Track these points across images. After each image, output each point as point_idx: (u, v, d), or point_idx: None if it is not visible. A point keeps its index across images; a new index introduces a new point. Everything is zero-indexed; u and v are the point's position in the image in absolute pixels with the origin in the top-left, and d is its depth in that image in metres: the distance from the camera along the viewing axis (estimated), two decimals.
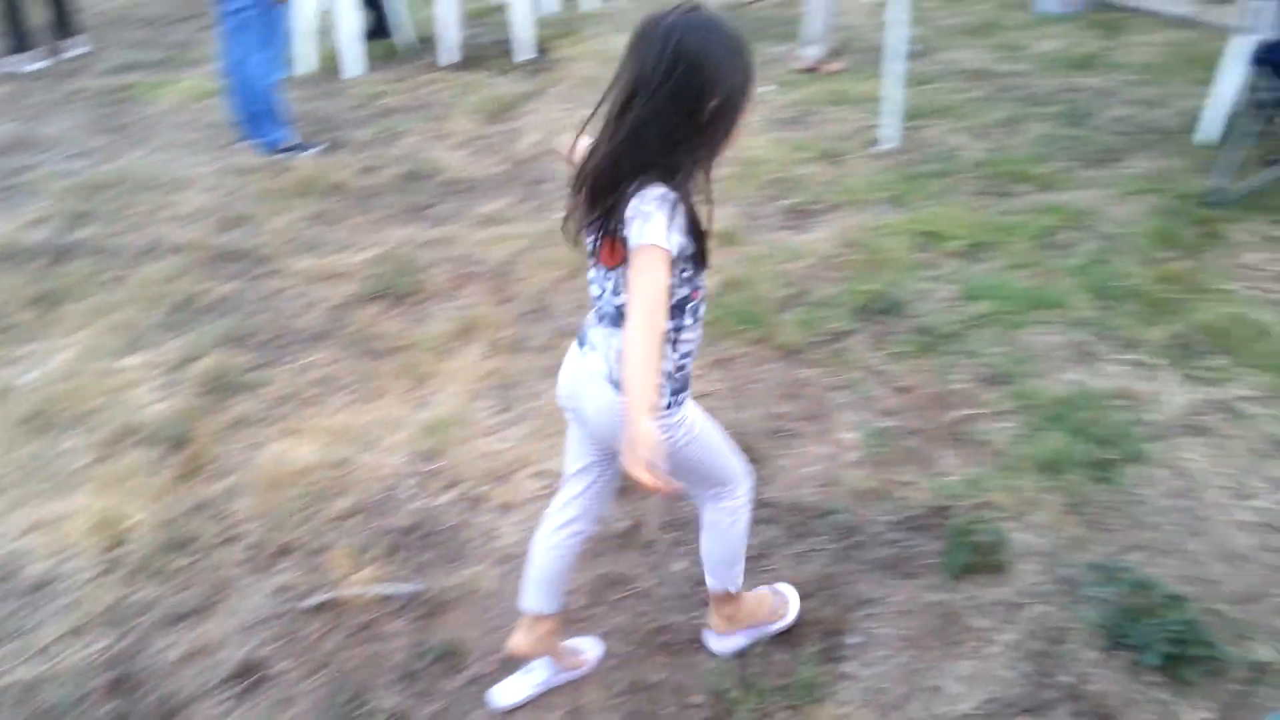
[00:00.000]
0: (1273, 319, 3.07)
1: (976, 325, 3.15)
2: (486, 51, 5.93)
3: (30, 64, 6.05)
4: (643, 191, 1.51)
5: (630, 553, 2.42)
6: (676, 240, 1.52)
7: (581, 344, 1.84)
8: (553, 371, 3.01)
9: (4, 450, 2.82)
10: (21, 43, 6.05)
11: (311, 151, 4.67)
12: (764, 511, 2.50)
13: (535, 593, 2.02)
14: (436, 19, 5.75)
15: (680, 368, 1.76)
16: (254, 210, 4.16)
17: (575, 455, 2.01)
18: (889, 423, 2.78)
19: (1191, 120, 4.51)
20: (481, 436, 2.81)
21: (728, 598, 2.08)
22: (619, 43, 5.01)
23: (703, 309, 1.73)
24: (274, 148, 4.65)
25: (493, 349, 3.20)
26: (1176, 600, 2.12)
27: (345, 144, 4.79)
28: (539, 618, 2.03)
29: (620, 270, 1.60)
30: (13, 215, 4.17)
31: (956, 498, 2.49)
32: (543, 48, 5.91)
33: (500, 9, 6.55)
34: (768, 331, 3.18)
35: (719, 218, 3.73)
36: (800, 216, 3.92)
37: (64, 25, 6.29)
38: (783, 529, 2.45)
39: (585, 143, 1.67)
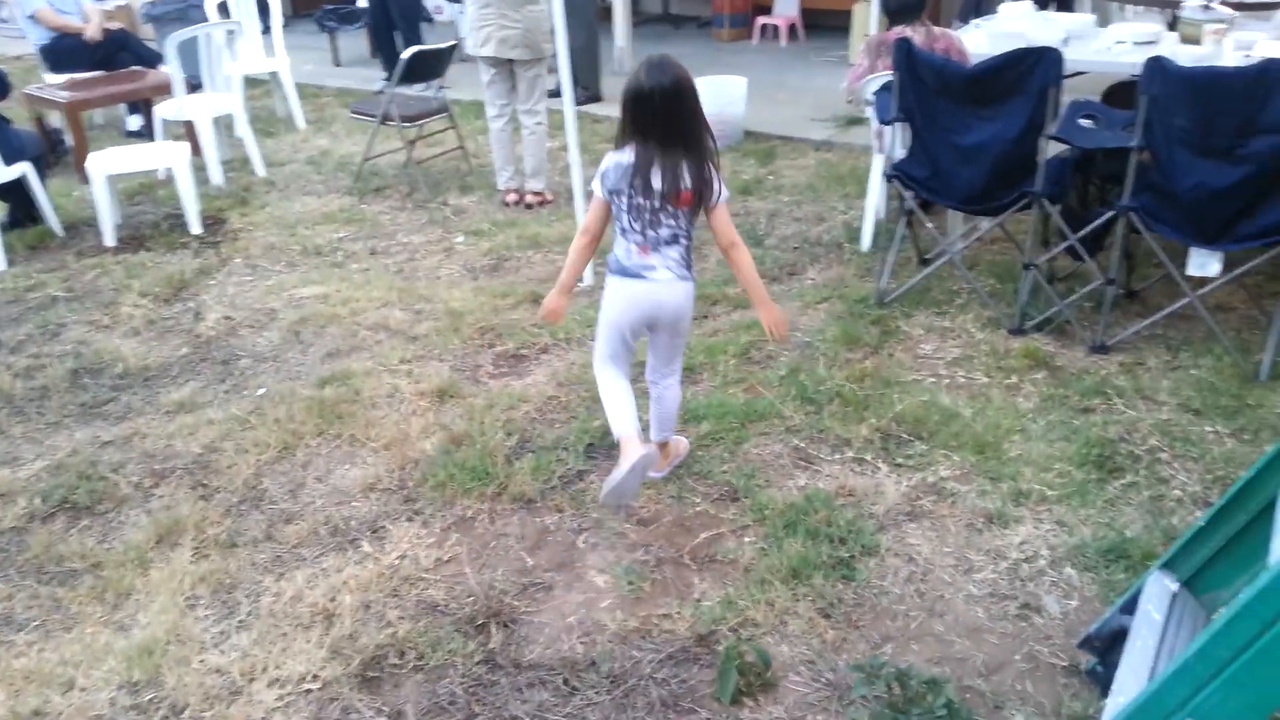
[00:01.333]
0: (954, 402, 3.40)
1: (704, 445, 3.24)
2: (152, 229, 5.56)
3: None
4: (704, 164, 2.67)
5: None
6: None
7: (637, 274, 2.77)
8: (274, 565, 2.80)
9: None
10: None
11: None
12: (530, 674, 2.39)
13: (658, 427, 3.08)
14: (93, 200, 5.34)
15: None
16: None
17: (628, 352, 2.98)
18: (638, 557, 2.77)
19: (851, 231, 5.01)
20: (204, 651, 2.50)
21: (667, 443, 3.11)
22: (297, 208, 4.97)
23: None
24: None
25: (202, 550, 2.89)
26: (934, 684, 2.21)
27: None
28: (663, 444, 3.09)
29: (686, 210, 2.70)
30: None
31: (717, 621, 2.50)
32: (214, 220, 5.64)
33: (164, 185, 6.23)
34: (503, 484, 3.10)
35: (433, 374, 3.65)
36: (515, 362, 3.92)
37: None
38: (552, 690, 2.34)
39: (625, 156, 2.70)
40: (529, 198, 5.76)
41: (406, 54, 6.10)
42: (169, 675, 2.42)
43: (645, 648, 2.44)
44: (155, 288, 4.73)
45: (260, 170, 6.46)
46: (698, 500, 2.99)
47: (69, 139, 6.52)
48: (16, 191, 5.45)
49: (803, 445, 3.22)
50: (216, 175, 6.23)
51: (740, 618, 2.50)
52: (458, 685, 2.36)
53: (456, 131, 6.53)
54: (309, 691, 2.37)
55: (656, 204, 2.66)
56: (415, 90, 6.50)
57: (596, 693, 2.32)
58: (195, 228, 5.47)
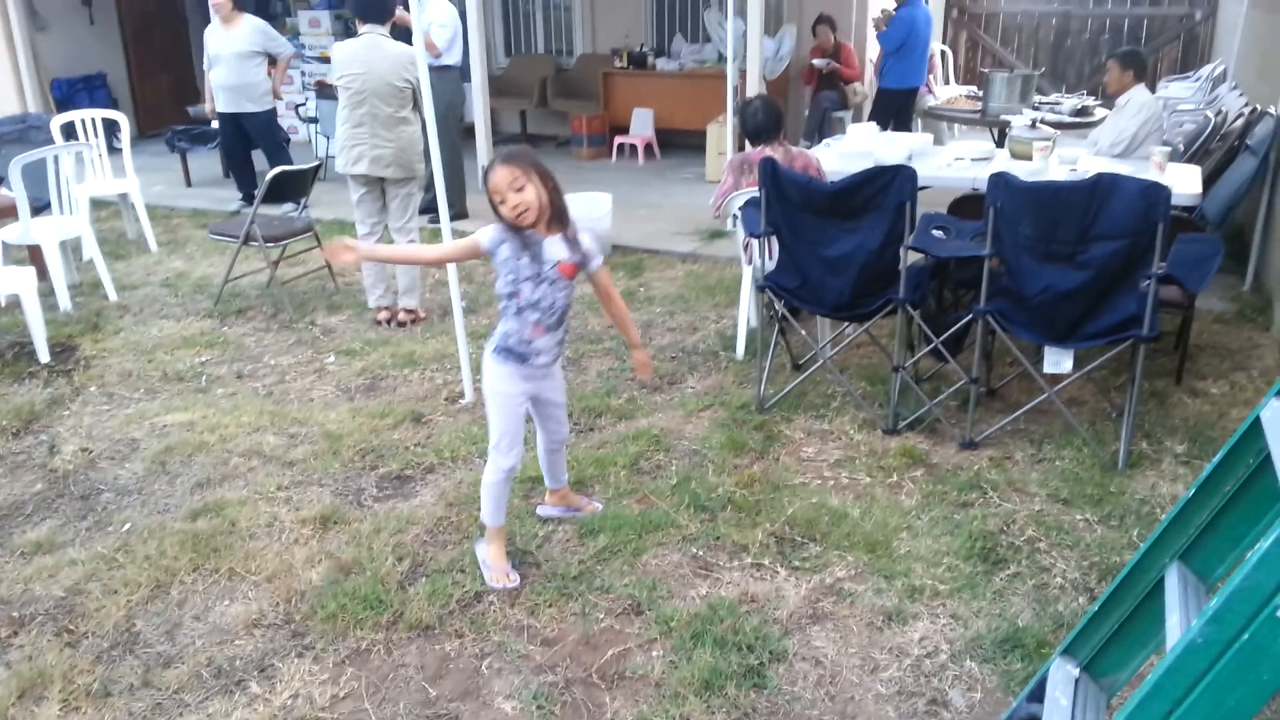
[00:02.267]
0: (842, 503, 3.49)
1: (602, 559, 3.22)
2: None
3: None
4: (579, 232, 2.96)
5: None
6: None
7: (529, 358, 3.01)
8: (154, 714, 2.61)
9: None
10: None
11: None
12: None
13: (550, 477, 3.45)
14: None
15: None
16: None
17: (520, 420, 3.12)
18: (546, 679, 2.70)
19: (725, 339, 5.15)
20: None
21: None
22: (154, 332, 4.82)
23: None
24: None
25: (72, 702, 2.67)
26: None
27: None
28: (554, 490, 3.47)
29: (570, 282, 2.96)
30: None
31: None
32: (65, 347, 5.35)
33: (5, 311, 5.90)
34: (397, 611, 2.99)
35: (313, 500, 3.53)
36: (400, 483, 3.82)
37: None
38: None
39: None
40: (401, 315, 5.71)
41: (270, 174, 6.04)
42: None
43: None
44: (2, 420, 4.43)
45: (112, 294, 6.20)
46: (601, 615, 2.95)
47: None
48: None
49: (700, 553, 3.24)
50: (64, 300, 5.94)
51: None
52: None
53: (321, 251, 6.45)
54: None
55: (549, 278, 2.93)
56: (278, 210, 6.41)
57: None
58: (44, 355, 5.17)
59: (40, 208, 6.37)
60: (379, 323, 5.70)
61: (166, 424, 4.37)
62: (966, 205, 5.32)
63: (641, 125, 10.84)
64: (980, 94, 8.79)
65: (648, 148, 10.75)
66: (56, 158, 6.25)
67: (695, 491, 3.59)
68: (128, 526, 3.54)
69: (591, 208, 6.92)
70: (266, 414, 4.45)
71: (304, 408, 4.54)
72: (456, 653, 2.83)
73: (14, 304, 5.63)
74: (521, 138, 12.28)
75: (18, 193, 6.01)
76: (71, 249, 6.47)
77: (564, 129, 11.55)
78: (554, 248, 2.89)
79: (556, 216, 2.88)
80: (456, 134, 7.79)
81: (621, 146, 10.82)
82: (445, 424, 4.33)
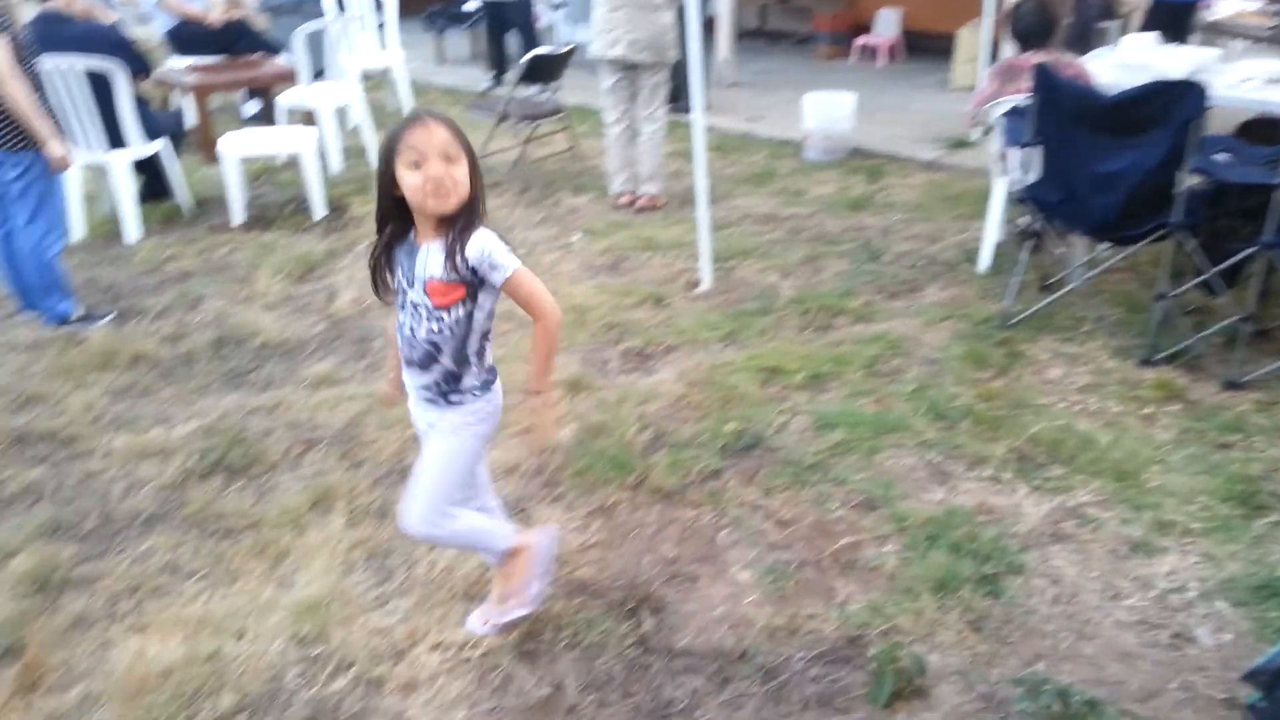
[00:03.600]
0: (1090, 429, 3.40)
1: (837, 453, 3.28)
2: (277, 211, 5.75)
3: None
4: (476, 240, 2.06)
5: (555, 718, 2.28)
6: None
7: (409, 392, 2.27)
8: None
9: None
10: None
11: (102, 322, 4.30)
12: (683, 661, 2.45)
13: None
14: (223, 180, 5.53)
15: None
16: (49, 388, 3.75)
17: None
18: (780, 557, 2.81)
19: (966, 251, 5.02)
20: (365, 613, 2.60)
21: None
22: None
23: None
24: (62, 320, 4.25)
25: (355, 517, 3.00)
26: (1094, 705, 2.23)
27: (139, 312, 4.45)
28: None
29: (440, 312, 2.11)
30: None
31: (865, 626, 2.53)
32: (337, 205, 5.80)
33: (284, 169, 6.42)
34: (641, 476, 3.16)
35: (563, 365, 3.74)
36: (642, 359, 3.99)
37: None
38: (706, 677, 2.40)
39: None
40: (641, 201, 5.85)
41: (528, 56, 6.24)
42: (335, 632, 2.52)
43: (795, 646, 2.49)
44: (287, 266, 4.89)
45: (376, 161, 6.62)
46: (835, 505, 3.03)
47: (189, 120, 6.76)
48: (150, 167, 5.66)
49: (938, 460, 3.25)
50: (336, 163, 6.41)
51: (888, 624, 2.54)
52: (614, 664, 2.43)
53: (569, 133, 6.65)
54: (468, 659, 2.45)
55: None
56: (530, 91, 6.63)
57: (750, 684, 2.37)
58: (320, 211, 5.63)
59: (315, 76, 6.85)
60: (618, 207, 5.86)
61: None
62: (1255, 129, 4.90)
63: (887, 26, 10.43)
64: (1275, 9, 7.93)
65: (891, 50, 10.36)
66: (330, 28, 6.68)
67: (933, 399, 3.58)
68: None
69: (832, 107, 6.80)
70: None
71: (552, 280, 4.76)
72: (695, 521, 2.98)
73: (290, 163, 6.13)
74: (761, 33, 12.07)
75: (300, 60, 6.48)
76: (341, 117, 6.93)
77: (804, 25, 11.27)
78: (430, 259, 2.05)
79: (464, 216, 2.03)
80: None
81: (863, 48, 10.47)
82: (684, 308, 4.45)
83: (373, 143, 6.65)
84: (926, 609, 2.58)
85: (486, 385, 2.24)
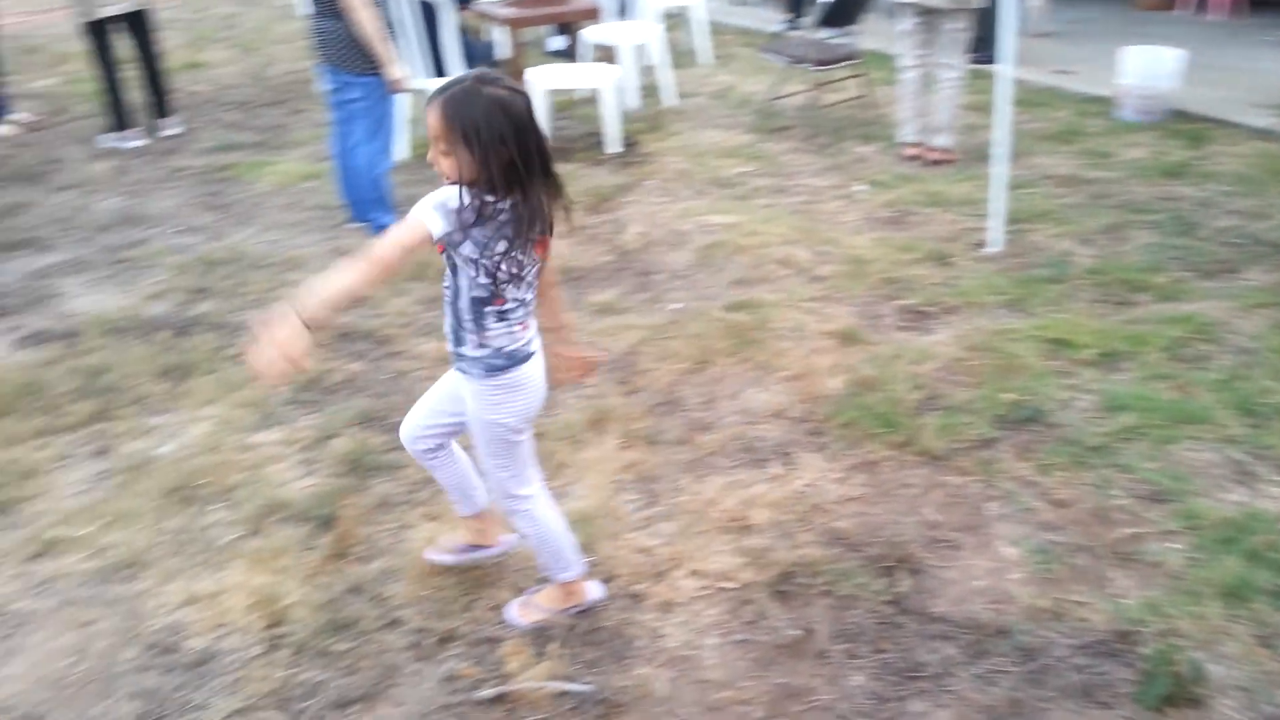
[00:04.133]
0: None
1: (1125, 438, 3.09)
2: (574, 144, 6.02)
3: (131, 141, 6.18)
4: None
5: (804, 663, 2.34)
6: None
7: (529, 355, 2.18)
8: (691, 467, 3.01)
9: (152, 521, 2.78)
10: (122, 121, 6.18)
11: None
12: (937, 627, 2.43)
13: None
14: None
15: None
16: (374, 291, 4.16)
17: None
18: (1051, 538, 2.71)
19: None
20: (631, 531, 2.75)
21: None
22: (704, 139, 5.14)
23: None
24: (383, 231, 4.68)
25: (628, 441, 3.16)
26: None
27: None
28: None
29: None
30: (131, 288, 4.20)
31: (1139, 623, 2.40)
32: (630, 141, 5.99)
33: (583, 103, 6.68)
34: (909, 435, 3.12)
35: (837, 316, 3.73)
36: (918, 318, 3.90)
37: (160, 106, 6.43)
38: (960, 647, 2.37)
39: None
40: (933, 154, 5.65)
41: None
42: (602, 545, 2.69)
43: (1059, 631, 2.40)
44: (581, 197, 5.13)
45: (671, 99, 6.77)
46: (1117, 493, 2.86)
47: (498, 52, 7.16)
48: None
49: (1242, 458, 2.99)
50: (633, 99, 6.61)
51: (1166, 625, 2.39)
52: (866, 619, 2.45)
53: (862, 80, 6.50)
54: (725, 589, 2.55)
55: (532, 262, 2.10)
56: (824, 35, 6.52)
57: (1006, 661, 2.32)
58: (614, 146, 5.85)
59: (620, 13, 7.04)
60: (906, 158, 5.69)
61: (712, 223, 4.80)
62: None
63: None
64: None
65: (1230, 1, 9.30)
66: None
67: (1243, 392, 3.28)
68: (678, 305, 4.00)
69: (1155, 63, 6.22)
70: (798, 229, 4.71)
71: (832, 229, 4.73)
72: (962, 488, 2.92)
73: (587, 97, 6.37)
74: None
75: None
76: (638, 54, 7.10)
77: None
78: None
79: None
80: None
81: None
82: (968, 268, 4.30)
83: (669, 81, 6.79)
84: (1212, 616, 2.41)
85: (491, 369, 2.11)
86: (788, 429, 3.21)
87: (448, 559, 2.59)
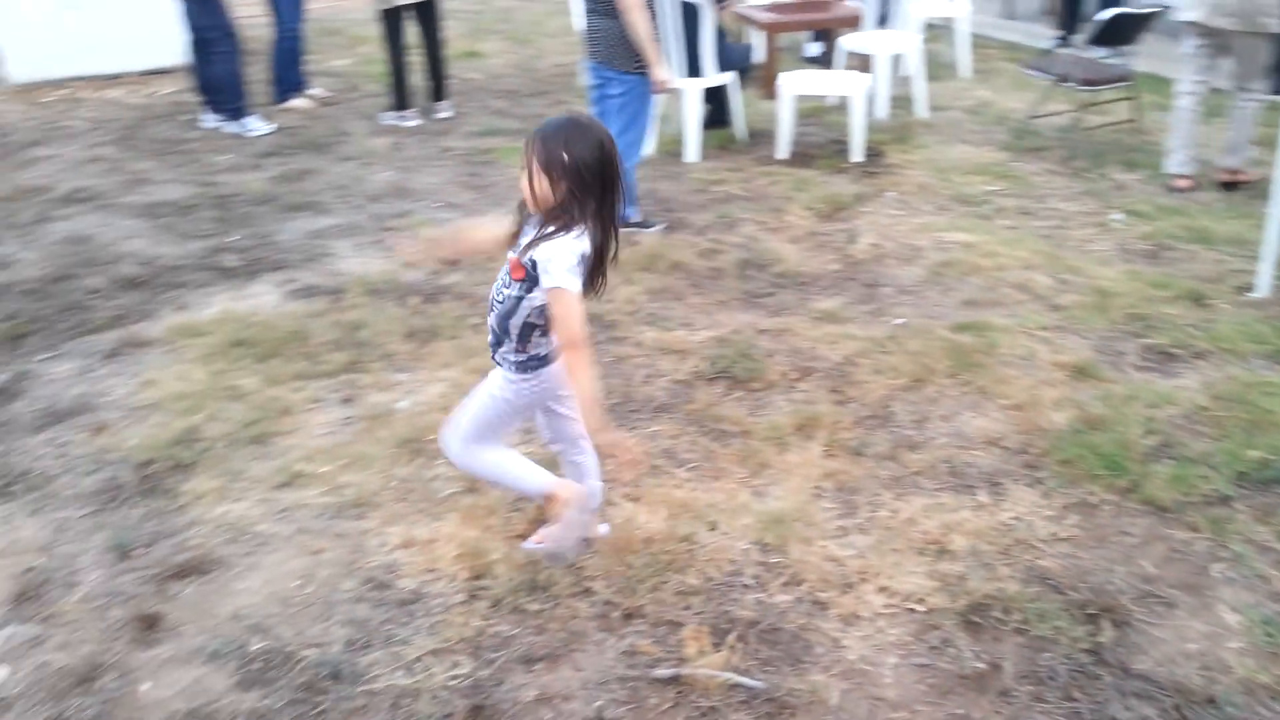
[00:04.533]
0: None
1: None
2: (818, 150, 6.01)
3: (409, 121, 6.72)
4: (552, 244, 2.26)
5: (985, 697, 2.27)
6: None
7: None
8: (893, 484, 2.97)
9: (384, 468, 3.05)
10: (403, 101, 6.73)
11: (654, 230, 4.86)
12: (1137, 684, 2.30)
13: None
14: (776, 115, 5.89)
15: None
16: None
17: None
18: None
19: None
20: (824, 539, 2.76)
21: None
22: (952, 154, 4.98)
23: None
24: (623, 222, 4.87)
25: (833, 449, 3.16)
26: None
27: (685, 226, 4.95)
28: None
29: (513, 284, 2.33)
30: (393, 255, 4.58)
31: None
32: (874, 151, 5.91)
33: (831, 110, 6.65)
34: (1134, 482, 2.95)
35: (1071, 348, 3.57)
36: (1163, 359, 3.66)
37: (437, 90, 6.95)
38: (1160, 709, 2.23)
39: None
40: (1225, 176, 5.24)
41: (1107, 14, 5.81)
42: (793, 549, 2.71)
43: (1275, 711, 2.21)
44: (817, 204, 5.14)
45: (922, 112, 6.63)
46: None
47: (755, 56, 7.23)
48: (716, 96, 6.19)
49: None
50: (882, 109, 6.52)
51: None
52: (1060, 664, 2.35)
53: (1133, 104, 6.12)
54: (912, 611, 2.51)
55: None
56: (1097, 54, 6.18)
57: None
58: (857, 155, 5.80)
59: (880, 22, 6.95)
60: (1175, 189, 5.31)
61: (949, 240, 4.68)
62: None
63: None
64: None
65: None
66: None
67: None
68: (901, 321, 3.94)
69: None
70: (1041, 254, 4.51)
71: (1079, 257, 4.50)
72: (1186, 545, 2.73)
73: (839, 105, 6.34)
74: None
75: (868, 5, 6.62)
76: (894, 64, 6.99)
77: None
78: (525, 238, 2.31)
79: (556, 221, 2.23)
80: None
81: None
82: (1227, 312, 3.98)
83: (922, 93, 6.65)
84: None
85: (524, 368, 2.39)
86: (1001, 458, 3.11)
87: (536, 548, 2.69)
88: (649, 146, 5.76)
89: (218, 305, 4.15)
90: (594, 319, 3.95)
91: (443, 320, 3.96)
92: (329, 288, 4.30)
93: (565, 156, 2.18)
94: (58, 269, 4.50)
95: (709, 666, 2.32)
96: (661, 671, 2.32)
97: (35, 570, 2.67)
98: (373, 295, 4.20)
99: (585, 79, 4.83)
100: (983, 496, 2.93)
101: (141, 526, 2.82)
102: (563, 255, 2.20)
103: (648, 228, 4.87)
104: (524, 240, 2.29)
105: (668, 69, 4.58)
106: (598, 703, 2.25)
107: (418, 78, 6.83)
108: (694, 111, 5.83)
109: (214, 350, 3.72)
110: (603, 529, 2.75)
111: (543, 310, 2.29)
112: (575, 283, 2.22)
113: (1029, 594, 2.55)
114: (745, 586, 2.60)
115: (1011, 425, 3.25)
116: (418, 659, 2.36)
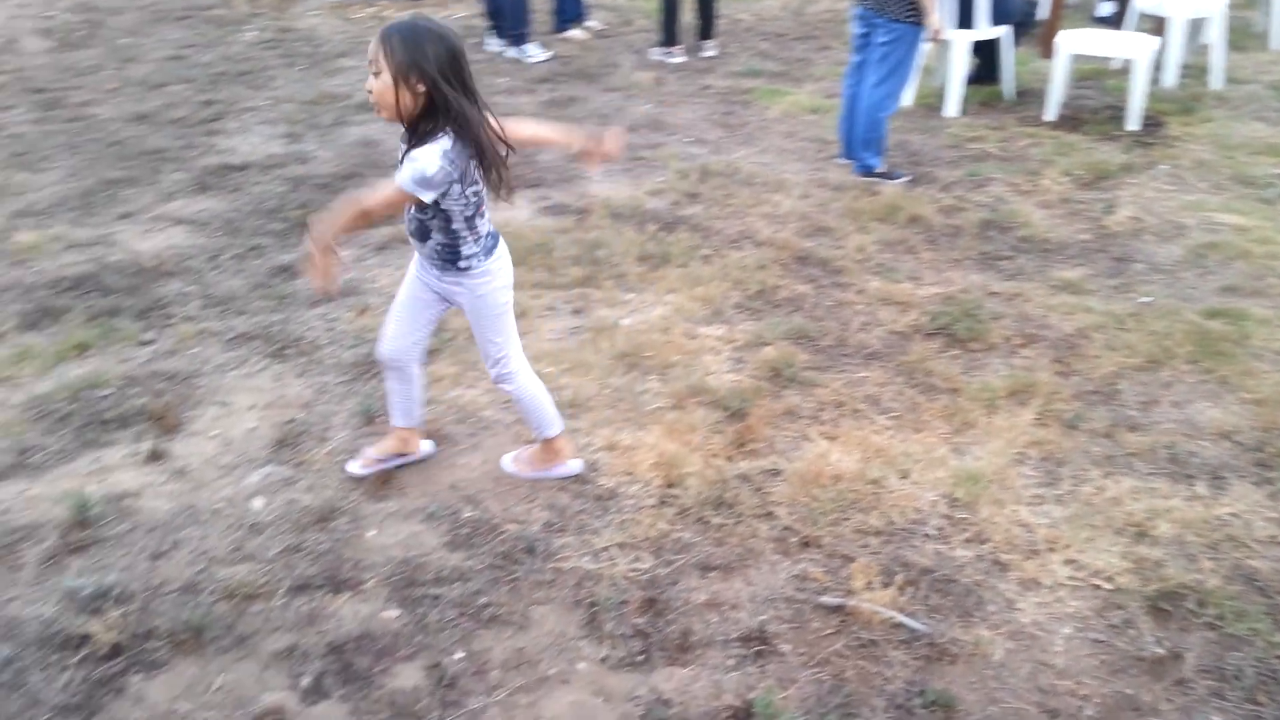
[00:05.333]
0: None
1: None
2: (1089, 115, 5.66)
3: (675, 58, 6.89)
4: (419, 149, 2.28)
5: (1159, 684, 2.21)
6: None
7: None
8: (1104, 462, 2.87)
9: (600, 376, 3.27)
10: (671, 38, 6.90)
11: (898, 181, 4.80)
12: None
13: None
14: (1049, 75, 5.60)
15: None
16: (836, 224, 4.38)
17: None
18: None
19: None
20: (1017, 504, 2.72)
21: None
22: (1242, 130, 4.61)
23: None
24: (867, 171, 4.84)
25: (1044, 418, 3.08)
26: None
27: (931, 180, 4.85)
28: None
29: None
30: (639, 182, 4.79)
31: None
32: (1153, 121, 5.50)
33: (1113, 74, 6.23)
34: None
35: None
36: None
37: (705, 29, 7.06)
38: None
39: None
40: None
41: None
42: (983, 509, 2.70)
43: None
44: (1078, 170, 4.88)
45: (1217, 83, 6.08)
46: None
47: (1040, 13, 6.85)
48: (986, 50, 5.95)
49: None
50: (1171, 77, 6.04)
51: None
52: (1249, 665, 2.24)
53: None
54: (1098, 587, 2.46)
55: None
56: None
57: None
58: (1133, 124, 5.43)
59: None
60: None
61: (1219, 221, 4.34)
62: None
63: None
64: None
65: None
66: None
67: None
68: (1147, 300, 3.73)
69: None
70: None
71: None
72: None
73: (1123, 69, 5.93)
74: None
75: None
76: (1193, 30, 6.42)
77: None
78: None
79: (415, 131, 2.24)
80: None
81: None
82: None
83: (1220, 63, 6.09)
84: None
85: (488, 250, 2.45)
86: (1230, 453, 2.93)
87: (371, 470, 2.83)
88: (908, 97, 5.65)
89: None
90: (819, 263, 4.01)
91: (675, 248, 4.12)
92: (576, 208, 4.56)
93: (424, 61, 2.14)
94: (347, 167, 5.02)
95: (875, 602, 2.38)
96: (828, 599, 2.41)
97: (295, 423, 3.08)
98: (614, 218, 4.42)
99: (854, 26, 4.79)
100: (1201, 488, 2.79)
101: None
102: (419, 160, 2.19)
103: (892, 179, 4.81)
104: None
105: (941, 18, 4.47)
106: (762, 617, 2.37)
107: (689, 16, 6.96)
108: (960, 65, 5.64)
109: None
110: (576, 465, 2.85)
111: (465, 196, 2.31)
112: (417, 190, 2.22)
113: (1230, 591, 2.42)
114: (926, 536, 2.62)
115: (1249, 420, 3.04)
116: (604, 549, 2.56)
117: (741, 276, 3.90)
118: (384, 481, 2.81)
